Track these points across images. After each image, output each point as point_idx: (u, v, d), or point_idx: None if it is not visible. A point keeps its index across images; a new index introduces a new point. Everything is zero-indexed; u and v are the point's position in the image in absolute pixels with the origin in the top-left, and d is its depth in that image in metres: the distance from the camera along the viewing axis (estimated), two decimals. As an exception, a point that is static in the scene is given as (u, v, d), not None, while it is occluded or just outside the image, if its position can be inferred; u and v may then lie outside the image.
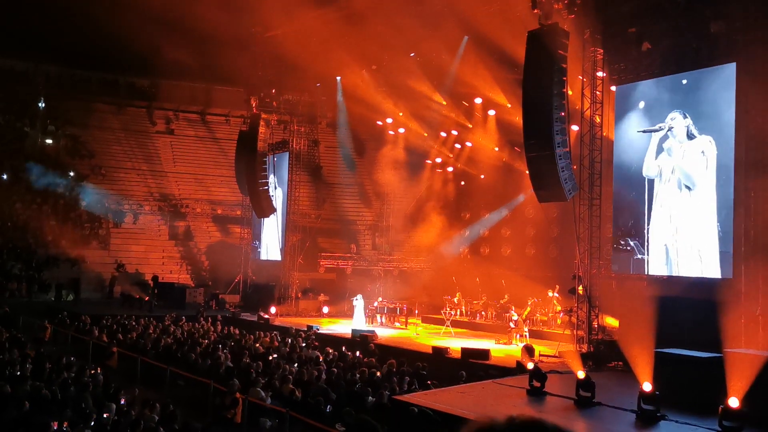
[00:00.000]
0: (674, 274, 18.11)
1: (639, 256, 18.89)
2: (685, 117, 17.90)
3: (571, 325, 20.19)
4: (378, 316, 26.59)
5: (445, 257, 32.56)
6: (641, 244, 18.81)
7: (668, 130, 18.26)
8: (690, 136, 17.76)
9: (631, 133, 19.34)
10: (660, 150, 18.52)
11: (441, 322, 25.19)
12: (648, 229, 18.72)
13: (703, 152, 17.40)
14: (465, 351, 18.15)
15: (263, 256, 34.33)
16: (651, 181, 18.84)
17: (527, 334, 21.54)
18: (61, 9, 36.41)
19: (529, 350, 17.48)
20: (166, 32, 32.62)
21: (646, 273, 18.87)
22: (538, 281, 25.30)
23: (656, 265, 18.59)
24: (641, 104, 19.17)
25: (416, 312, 27.71)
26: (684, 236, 17.81)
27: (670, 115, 18.20)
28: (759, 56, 16.35)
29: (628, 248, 19.19)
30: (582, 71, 19.15)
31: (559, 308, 23.12)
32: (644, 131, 18.83)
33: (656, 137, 18.58)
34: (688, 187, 17.79)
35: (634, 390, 12.30)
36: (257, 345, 19.17)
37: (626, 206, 19.58)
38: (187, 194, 40.18)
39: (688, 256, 17.71)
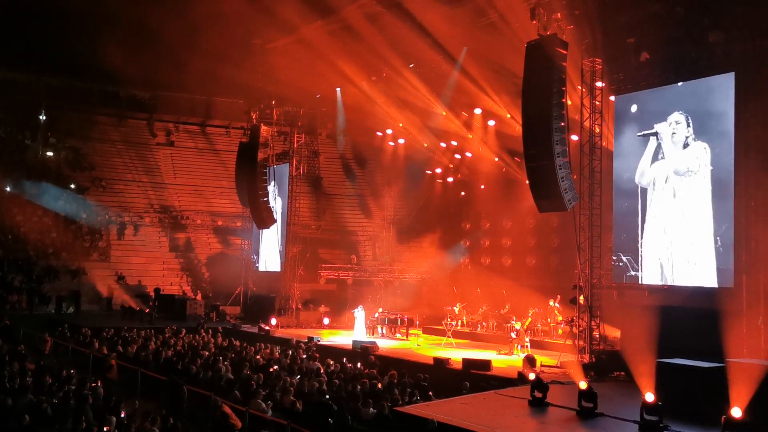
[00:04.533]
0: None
1: (632, 273, 18.81)
2: (679, 123, 17.88)
3: (572, 336, 20.15)
4: (379, 327, 26.53)
5: (445, 267, 32.55)
6: (634, 260, 18.75)
7: (666, 140, 18.24)
8: (686, 144, 17.77)
9: (629, 143, 19.35)
10: (655, 158, 18.52)
11: (442, 333, 25.13)
12: (641, 243, 18.66)
13: (698, 158, 17.40)
14: (466, 362, 18.09)
15: (261, 269, 34.31)
16: (644, 192, 18.84)
17: (528, 344, 21.46)
18: (62, 21, 36.58)
19: (530, 361, 17.45)
20: (167, 44, 32.78)
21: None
22: (539, 291, 25.29)
23: (650, 281, 18.50)
24: (633, 107, 19.19)
25: (417, 323, 27.65)
26: (679, 249, 17.71)
27: (671, 119, 18.16)
28: (757, 65, 16.40)
29: (621, 264, 19.14)
30: (581, 81, 19.21)
31: (560, 318, 23.08)
32: (643, 135, 18.79)
33: (652, 145, 18.56)
34: (683, 196, 17.75)
35: (637, 400, 12.26)
36: (258, 357, 19.11)
37: (619, 219, 19.53)
38: (187, 206, 40.20)
39: (684, 270, 17.62)
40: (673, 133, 18.08)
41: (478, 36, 21.95)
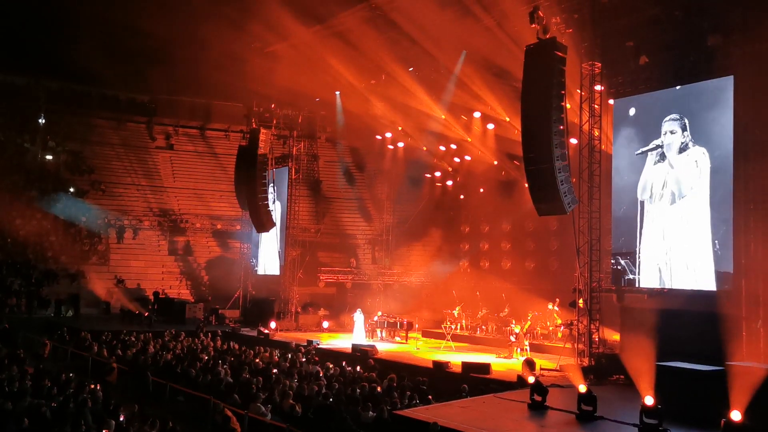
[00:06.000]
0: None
1: (630, 276, 18.82)
2: (678, 130, 17.88)
3: (571, 339, 20.16)
4: (378, 331, 26.52)
5: (445, 271, 32.55)
6: (632, 263, 18.74)
7: (664, 146, 18.24)
8: (684, 148, 17.77)
9: (627, 147, 19.33)
10: (654, 164, 18.49)
11: (441, 337, 25.12)
12: (640, 246, 18.65)
13: (696, 162, 17.40)
14: (466, 365, 18.10)
15: (261, 272, 34.30)
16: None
17: (528, 347, 21.47)
18: (61, 25, 36.62)
19: (530, 364, 17.45)
20: (166, 48, 32.82)
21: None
22: (538, 294, 25.32)
23: (649, 284, 18.48)
24: (632, 111, 19.18)
25: (416, 326, 27.63)
26: (678, 252, 17.68)
27: (666, 128, 18.15)
28: (756, 69, 16.41)
29: (619, 267, 19.14)
30: (580, 85, 19.23)
31: (559, 321, 23.08)
32: (642, 152, 18.74)
33: (652, 159, 18.54)
34: (681, 201, 17.74)
35: (636, 404, 12.25)
36: (257, 360, 19.10)
37: (618, 222, 19.51)
38: (186, 209, 40.18)
39: (683, 273, 17.58)
40: (670, 142, 18.06)
41: (477, 39, 21.97)
